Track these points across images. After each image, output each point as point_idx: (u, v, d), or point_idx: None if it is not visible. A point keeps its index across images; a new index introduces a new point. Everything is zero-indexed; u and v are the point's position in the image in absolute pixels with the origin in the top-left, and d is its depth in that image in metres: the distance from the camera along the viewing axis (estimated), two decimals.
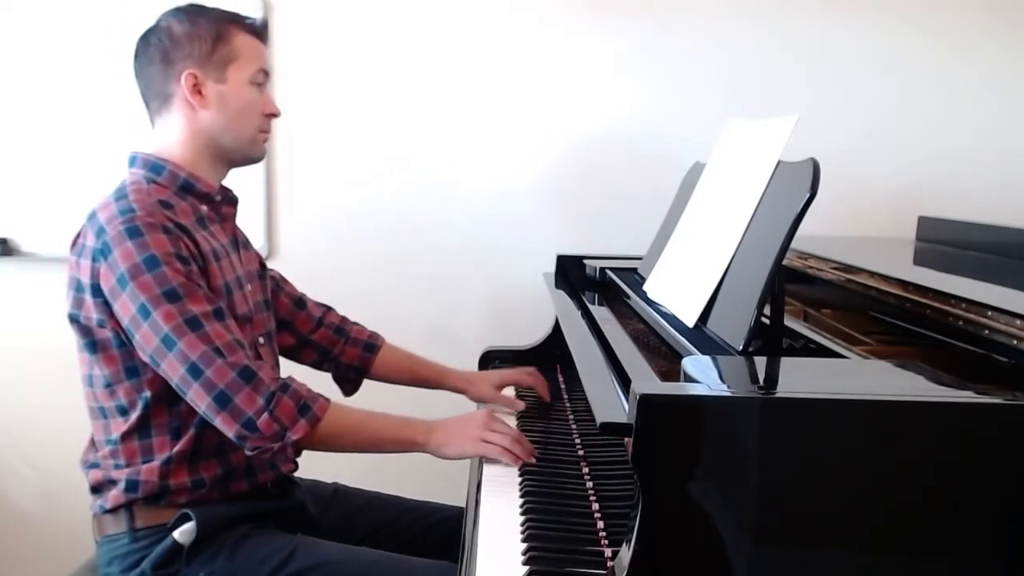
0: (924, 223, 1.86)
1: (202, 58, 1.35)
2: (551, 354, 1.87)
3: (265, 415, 1.25)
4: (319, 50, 2.15)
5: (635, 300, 1.46)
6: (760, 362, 0.98)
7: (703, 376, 0.88)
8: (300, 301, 1.66)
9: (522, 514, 1.19)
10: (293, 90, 2.12)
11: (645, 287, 1.46)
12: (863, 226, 2.14)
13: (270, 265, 1.62)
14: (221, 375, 1.24)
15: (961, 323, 1.06)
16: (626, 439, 0.88)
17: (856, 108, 2.15)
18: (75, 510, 1.62)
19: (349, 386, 1.69)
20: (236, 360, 1.25)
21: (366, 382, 1.71)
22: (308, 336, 1.65)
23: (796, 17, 2.13)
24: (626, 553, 0.83)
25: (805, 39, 2.14)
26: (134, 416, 1.31)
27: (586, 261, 1.88)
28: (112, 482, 1.33)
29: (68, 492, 2.00)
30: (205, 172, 1.40)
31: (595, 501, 1.23)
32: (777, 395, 0.84)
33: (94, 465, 1.37)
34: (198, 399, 1.25)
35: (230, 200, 1.46)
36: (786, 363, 1.03)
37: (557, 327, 1.84)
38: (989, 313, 1.02)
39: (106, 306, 1.28)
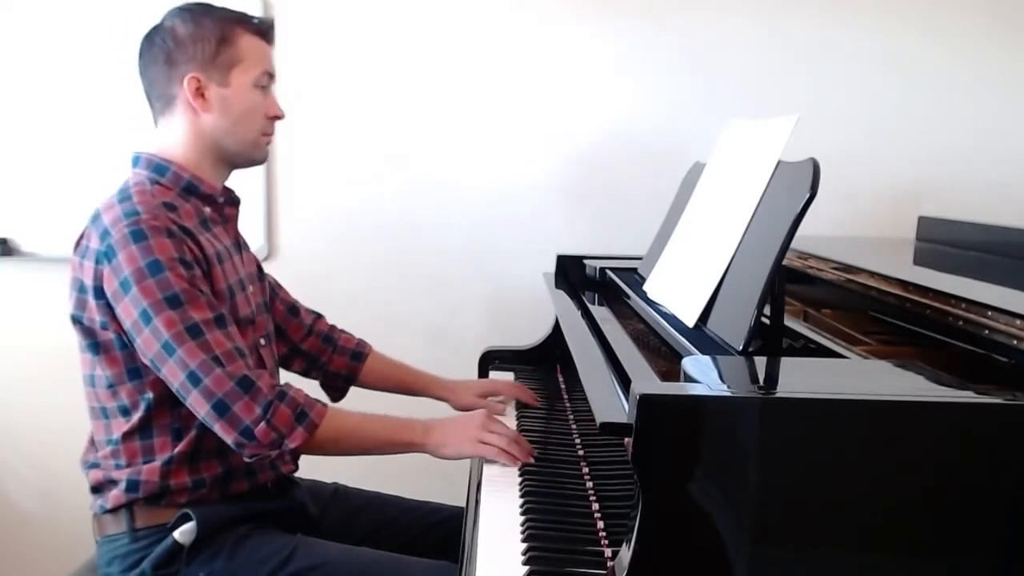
0: (924, 223, 1.86)
1: (205, 61, 1.34)
2: (551, 354, 1.87)
3: (263, 424, 1.25)
4: (319, 50, 2.15)
5: (635, 300, 1.46)
6: (760, 362, 0.98)
7: (703, 376, 0.88)
8: (294, 308, 1.65)
9: (522, 514, 1.19)
10: (293, 90, 2.11)
11: (645, 287, 1.46)
12: (863, 226, 2.14)
13: (270, 265, 1.62)
14: (219, 384, 1.24)
15: (961, 323, 1.06)
16: (626, 439, 0.88)
17: (856, 108, 2.15)
18: (75, 510, 1.62)
19: (336, 394, 1.68)
20: (235, 369, 1.25)
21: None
22: (299, 344, 1.64)
23: (796, 17, 2.13)
24: (626, 553, 0.83)
25: (805, 39, 2.14)
26: (136, 417, 1.31)
27: (586, 261, 1.88)
28: (113, 482, 1.33)
29: (68, 492, 2.00)
30: (208, 173, 1.39)
31: (595, 501, 1.23)
32: (777, 395, 0.84)
33: (94, 465, 1.36)
34: (197, 406, 1.25)
35: (233, 201, 1.46)
36: (786, 363, 1.03)
37: (557, 327, 1.84)
38: (989, 313, 1.02)
39: (109, 308, 1.28)
